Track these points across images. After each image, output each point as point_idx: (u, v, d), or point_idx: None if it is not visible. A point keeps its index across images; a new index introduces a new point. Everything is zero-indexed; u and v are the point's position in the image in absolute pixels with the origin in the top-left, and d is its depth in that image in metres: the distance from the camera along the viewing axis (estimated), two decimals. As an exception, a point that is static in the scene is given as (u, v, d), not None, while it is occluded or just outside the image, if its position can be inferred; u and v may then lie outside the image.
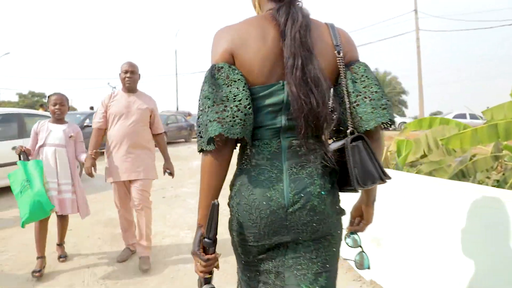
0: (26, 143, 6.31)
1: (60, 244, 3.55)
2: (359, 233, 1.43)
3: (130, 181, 3.34)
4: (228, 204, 1.23)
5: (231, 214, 1.23)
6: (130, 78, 3.37)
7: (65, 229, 3.55)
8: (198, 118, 1.14)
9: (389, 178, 1.17)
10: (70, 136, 3.36)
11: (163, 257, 3.52)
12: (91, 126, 11.52)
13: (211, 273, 1.16)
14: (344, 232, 1.33)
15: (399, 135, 7.55)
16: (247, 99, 1.10)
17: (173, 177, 3.63)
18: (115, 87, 46.36)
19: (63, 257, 3.48)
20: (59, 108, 3.34)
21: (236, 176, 1.22)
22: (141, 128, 3.35)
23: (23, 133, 6.61)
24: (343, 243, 1.30)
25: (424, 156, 6.26)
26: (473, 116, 19.15)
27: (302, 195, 1.12)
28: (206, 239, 1.14)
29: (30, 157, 3.19)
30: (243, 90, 1.10)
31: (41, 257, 3.22)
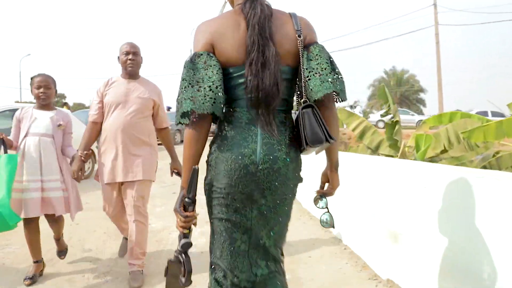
0: None
1: (58, 239, 3.08)
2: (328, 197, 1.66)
3: (123, 183, 2.80)
4: (206, 162, 1.45)
5: (207, 170, 1.43)
6: (133, 61, 2.82)
7: (61, 228, 3.03)
8: (178, 97, 1.34)
9: (334, 140, 1.34)
10: (59, 125, 2.85)
11: (168, 252, 3.37)
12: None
13: (189, 229, 1.39)
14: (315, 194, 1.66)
15: (417, 130, 7.26)
16: (219, 81, 1.31)
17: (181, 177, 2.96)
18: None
19: (62, 254, 3.12)
20: (44, 92, 2.82)
21: (216, 136, 1.43)
22: (141, 120, 2.81)
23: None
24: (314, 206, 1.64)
25: (444, 151, 5.96)
26: (495, 114, 18.48)
27: (271, 157, 1.33)
28: (186, 199, 1.37)
29: (13, 151, 2.76)
30: (217, 73, 1.31)
31: (37, 261, 2.84)
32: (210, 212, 1.49)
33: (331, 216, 1.63)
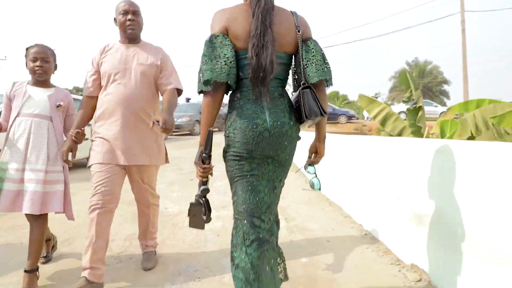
0: None
1: (31, 271, 2.32)
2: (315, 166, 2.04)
3: (127, 168, 2.43)
4: (224, 135, 1.73)
5: (227, 142, 1.72)
6: (133, 21, 2.40)
7: (40, 234, 2.35)
8: (199, 70, 1.64)
9: (327, 114, 1.70)
10: (58, 106, 2.43)
11: (183, 235, 3.31)
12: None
13: (207, 178, 1.73)
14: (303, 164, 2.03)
15: (441, 116, 6.98)
16: (232, 57, 1.62)
17: (165, 135, 2.32)
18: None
19: (47, 256, 2.74)
20: (41, 66, 2.41)
21: (229, 113, 1.71)
22: (145, 92, 2.40)
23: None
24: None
25: (471, 138, 5.70)
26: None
27: (279, 123, 1.65)
28: (204, 154, 1.67)
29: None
30: (231, 51, 1.62)
31: (30, 271, 2.31)
32: (232, 177, 1.74)
33: (318, 180, 2.08)
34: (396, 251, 2.69)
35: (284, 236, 3.23)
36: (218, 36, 1.63)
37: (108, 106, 2.36)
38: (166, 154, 2.62)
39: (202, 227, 1.82)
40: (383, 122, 6.68)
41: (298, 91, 1.72)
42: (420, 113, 6.00)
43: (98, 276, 2.25)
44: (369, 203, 3.28)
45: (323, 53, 1.75)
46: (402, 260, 2.57)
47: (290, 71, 1.81)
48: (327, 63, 1.75)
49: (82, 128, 2.32)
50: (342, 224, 3.57)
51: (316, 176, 2.05)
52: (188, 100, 19.97)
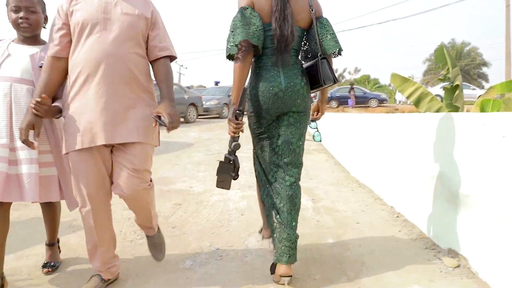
0: None
1: (52, 244, 2.24)
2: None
3: (111, 148, 1.86)
4: (247, 97, 1.99)
5: (249, 103, 2.03)
6: None
7: (55, 222, 2.21)
8: (228, 36, 1.88)
9: (338, 81, 2.06)
10: (41, 66, 1.89)
11: (207, 214, 3.25)
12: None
13: (238, 135, 1.91)
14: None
15: (483, 95, 6.55)
16: (261, 25, 1.86)
17: (168, 130, 1.73)
18: (182, 65, 47.53)
19: (49, 266, 2.20)
20: (26, 18, 1.91)
21: (252, 77, 2.02)
22: (132, 48, 1.82)
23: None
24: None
25: (515, 119, 5.30)
26: None
27: (292, 84, 1.94)
28: (238, 110, 1.86)
29: None
30: (259, 21, 1.86)
31: (50, 244, 2.23)
32: (253, 131, 2.10)
33: (319, 133, 2.53)
34: (431, 234, 2.51)
35: (310, 217, 3.10)
36: (247, 8, 1.88)
37: (83, 68, 1.75)
38: (159, 134, 2.02)
39: (228, 188, 2.02)
40: (417, 102, 6.34)
41: (315, 60, 2.02)
42: (457, 92, 5.64)
43: (113, 272, 2.01)
44: (401, 184, 3.08)
45: (332, 28, 2.03)
46: (438, 245, 2.39)
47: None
48: (336, 37, 2.03)
49: (45, 96, 1.72)
50: (372, 206, 3.39)
51: (317, 130, 2.54)
52: (217, 83, 19.94)
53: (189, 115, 13.48)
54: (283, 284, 1.91)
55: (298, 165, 2.04)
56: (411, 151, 2.94)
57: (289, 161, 2.00)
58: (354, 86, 24.60)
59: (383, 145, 3.68)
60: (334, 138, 6.70)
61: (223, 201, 3.65)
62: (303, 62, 2.12)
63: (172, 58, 1.97)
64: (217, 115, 16.03)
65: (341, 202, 3.52)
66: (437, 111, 6.16)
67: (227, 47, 1.87)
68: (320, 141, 2.52)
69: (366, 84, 43.03)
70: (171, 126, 1.71)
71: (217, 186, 2.01)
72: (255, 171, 2.16)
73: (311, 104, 2.13)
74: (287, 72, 1.95)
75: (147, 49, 1.90)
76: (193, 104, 13.76)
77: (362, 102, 23.79)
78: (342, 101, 23.59)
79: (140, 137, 1.82)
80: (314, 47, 2.02)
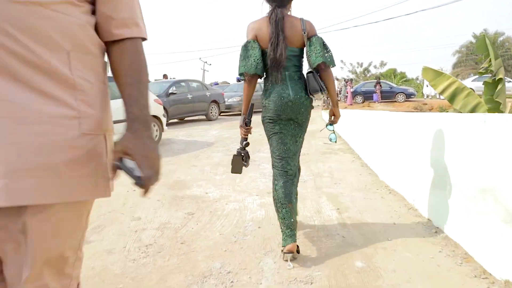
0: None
1: None
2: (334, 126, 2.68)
3: None
4: (262, 105, 2.49)
5: (264, 110, 2.47)
6: None
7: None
8: (239, 65, 2.40)
9: (325, 90, 2.39)
10: None
11: (221, 226, 2.96)
12: (175, 93, 11.91)
13: (247, 136, 2.53)
14: (324, 125, 2.78)
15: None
16: (260, 56, 2.36)
17: (143, 193, 0.96)
18: (206, 62, 47.64)
19: None
20: None
21: (265, 91, 2.47)
22: (46, 10, 0.81)
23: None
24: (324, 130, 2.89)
25: None
26: None
27: (298, 96, 2.38)
28: (247, 119, 2.49)
29: None
30: (258, 52, 2.36)
31: None
32: (268, 134, 2.49)
33: (335, 135, 2.71)
34: (481, 259, 2.12)
35: (335, 231, 2.76)
36: (250, 41, 2.36)
37: None
38: (112, 174, 0.95)
39: (240, 172, 2.56)
40: (452, 98, 5.83)
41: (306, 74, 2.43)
42: (499, 87, 5.12)
43: None
44: (440, 194, 2.69)
45: (323, 43, 2.37)
46: (491, 273, 2.00)
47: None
48: (328, 51, 2.38)
49: None
50: (405, 217, 3.02)
51: (334, 132, 2.71)
52: (239, 80, 19.67)
53: (211, 112, 13.27)
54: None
55: (297, 157, 2.54)
56: (453, 157, 2.55)
57: (291, 155, 2.46)
58: (380, 80, 23.79)
59: (417, 147, 3.28)
60: (360, 136, 6.28)
61: (239, 210, 3.35)
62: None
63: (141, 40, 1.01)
64: (239, 112, 15.80)
65: (369, 213, 3.16)
66: (475, 107, 5.65)
67: (238, 72, 2.43)
68: (335, 142, 2.79)
69: (393, 78, 41.78)
70: (149, 184, 0.93)
71: (232, 172, 2.56)
72: (273, 169, 2.53)
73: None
74: (294, 86, 2.39)
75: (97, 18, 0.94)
76: (215, 101, 13.54)
77: (388, 96, 23.00)
78: (367, 96, 22.88)
79: (54, 193, 0.83)
80: (308, 63, 2.47)
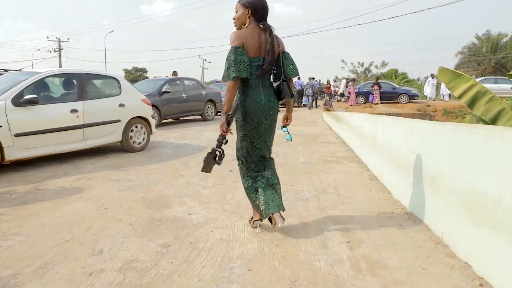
0: (87, 106, 5.81)
1: None
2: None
3: None
4: (237, 107, 2.74)
5: (240, 112, 2.75)
6: None
7: None
8: (225, 69, 2.63)
9: (293, 96, 2.83)
10: None
11: (201, 266, 2.34)
12: (169, 92, 11.26)
13: (226, 134, 2.70)
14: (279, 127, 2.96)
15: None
16: (248, 61, 2.62)
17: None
18: (205, 59, 46.88)
19: None
20: None
21: (241, 94, 2.74)
22: None
23: (83, 95, 5.91)
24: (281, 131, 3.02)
25: None
26: None
27: (269, 100, 2.75)
28: (230, 118, 2.64)
29: None
30: (247, 58, 2.61)
31: None
32: (240, 134, 2.84)
33: (290, 135, 3.08)
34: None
35: (346, 278, 2.14)
36: (239, 47, 2.60)
37: None
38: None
39: (209, 171, 2.82)
40: (472, 103, 5.20)
41: (279, 81, 2.79)
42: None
43: None
44: (484, 233, 2.07)
45: (292, 59, 2.83)
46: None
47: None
48: (295, 66, 2.84)
49: None
50: (434, 258, 2.39)
51: (288, 133, 3.02)
52: (218, 82, 19.09)
53: (207, 112, 12.63)
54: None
55: (270, 154, 2.96)
56: (497, 175, 1.92)
57: (264, 154, 2.88)
58: (379, 81, 23.11)
59: (443, 162, 2.65)
60: (366, 143, 5.64)
61: (226, 240, 2.72)
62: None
63: None
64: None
65: (388, 249, 2.53)
66: (498, 114, 5.03)
67: (224, 76, 2.64)
68: (291, 140, 3.07)
69: (394, 79, 41.14)
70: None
71: (202, 171, 2.80)
72: (239, 161, 2.94)
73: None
74: (265, 92, 2.74)
75: None
76: (211, 101, 12.89)
77: (391, 97, 22.36)
78: (370, 97, 22.25)
79: None
80: (279, 72, 2.79)
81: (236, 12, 2.75)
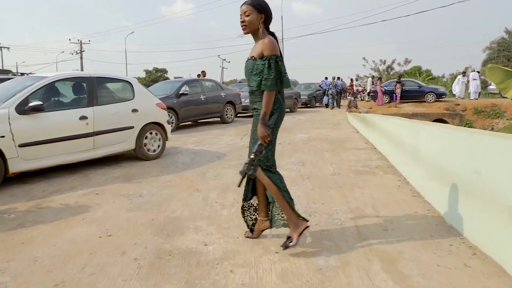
0: (97, 112, 5.39)
1: None
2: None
3: None
4: (273, 111, 2.59)
5: (273, 117, 2.59)
6: None
7: None
8: (272, 79, 2.51)
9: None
10: None
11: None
12: (187, 94, 10.83)
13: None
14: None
15: None
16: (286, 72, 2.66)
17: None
18: (224, 59, 46.60)
19: None
20: None
21: (275, 102, 2.58)
22: None
23: (93, 100, 5.50)
24: None
25: None
26: None
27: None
28: (269, 125, 2.54)
29: None
30: (284, 68, 2.60)
31: None
32: (272, 142, 2.66)
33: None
34: None
35: None
36: (279, 57, 2.56)
37: None
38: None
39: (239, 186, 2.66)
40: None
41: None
42: None
43: None
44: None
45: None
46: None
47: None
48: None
49: None
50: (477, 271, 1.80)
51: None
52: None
53: (226, 115, 12.18)
54: None
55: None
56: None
57: None
58: (402, 79, 22.06)
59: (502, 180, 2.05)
60: (403, 151, 5.00)
61: (249, 286, 2.20)
62: None
63: None
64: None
65: (424, 278, 1.95)
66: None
67: (267, 85, 2.51)
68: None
69: (418, 76, 39.77)
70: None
71: (238, 186, 2.64)
72: (268, 172, 2.72)
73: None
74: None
75: None
76: (230, 102, 12.43)
77: (416, 96, 21.34)
78: (393, 96, 21.30)
79: None
80: None
81: (247, 14, 2.55)
